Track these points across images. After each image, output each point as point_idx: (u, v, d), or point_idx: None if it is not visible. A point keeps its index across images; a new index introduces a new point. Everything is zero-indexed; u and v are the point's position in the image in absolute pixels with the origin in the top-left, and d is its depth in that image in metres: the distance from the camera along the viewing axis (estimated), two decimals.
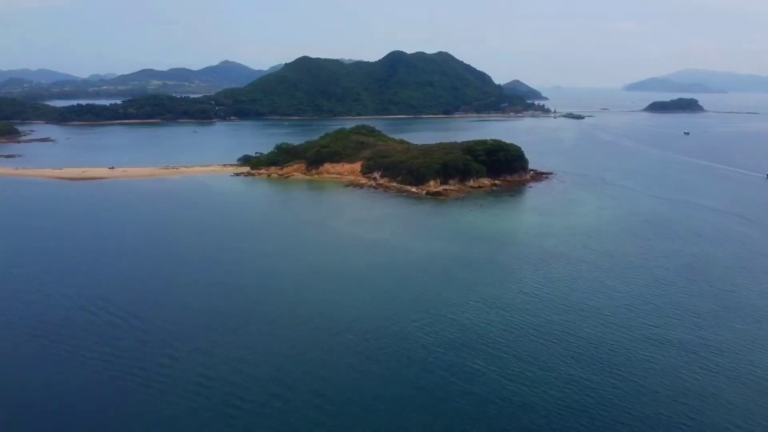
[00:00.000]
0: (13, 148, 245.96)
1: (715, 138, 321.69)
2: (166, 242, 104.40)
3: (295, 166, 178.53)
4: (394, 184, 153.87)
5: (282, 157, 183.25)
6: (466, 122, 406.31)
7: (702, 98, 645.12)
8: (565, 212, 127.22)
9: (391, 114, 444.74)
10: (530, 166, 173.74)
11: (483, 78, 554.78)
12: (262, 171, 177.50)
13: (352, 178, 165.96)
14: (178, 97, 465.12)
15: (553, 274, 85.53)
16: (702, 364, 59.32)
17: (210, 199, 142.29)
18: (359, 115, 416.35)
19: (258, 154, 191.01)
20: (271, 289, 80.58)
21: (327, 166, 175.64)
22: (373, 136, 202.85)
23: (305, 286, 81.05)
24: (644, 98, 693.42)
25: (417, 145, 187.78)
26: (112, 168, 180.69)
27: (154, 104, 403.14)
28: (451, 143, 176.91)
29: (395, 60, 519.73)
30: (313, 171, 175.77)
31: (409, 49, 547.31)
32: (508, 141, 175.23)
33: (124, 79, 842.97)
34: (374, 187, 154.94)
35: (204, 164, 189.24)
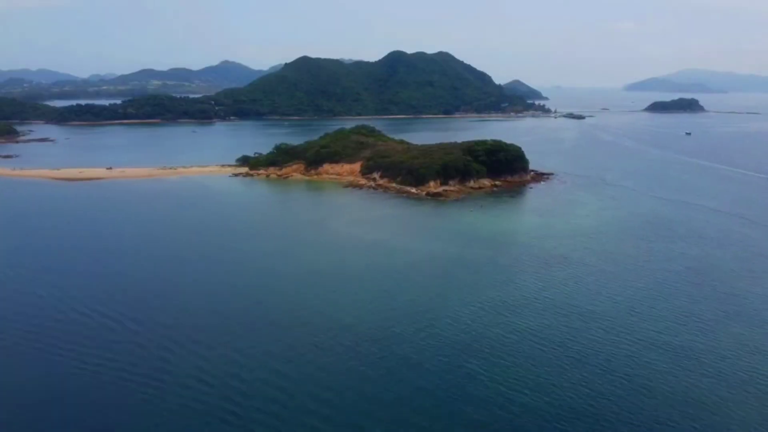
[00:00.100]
0: (12, 148, 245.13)
1: (715, 138, 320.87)
2: (163, 243, 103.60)
3: (294, 167, 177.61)
4: (394, 184, 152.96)
5: (281, 157, 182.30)
6: (466, 122, 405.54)
7: (702, 98, 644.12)
8: (565, 213, 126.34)
9: (391, 114, 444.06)
10: (531, 166, 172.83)
11: (483, 78, 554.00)
12: (261, 171, 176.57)
13: (351, 178, 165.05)
14: (178, 97, 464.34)
15: (554, 277, 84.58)
16: (704, 371, 58.37)
17: (208, 199, 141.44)
18: (359, 115, 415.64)
19: (257, 155, 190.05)
20: (269, 289, 79.91)
21: (326, 166, 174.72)
22: (373, 137, 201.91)
23: (304, 287, 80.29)
24: (645, 98, 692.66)
25: (417, 145, 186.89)
26: (110, 168, 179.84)
27: (154, 104, 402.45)
28: (451, 143, 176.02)
29: (395, 60, 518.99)
30: (312, 171, 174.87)
31: (409, 49, 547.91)
32: (508, 141, 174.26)
33: (124, 79, 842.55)
34: (374, 188, 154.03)
35: (202, 165, 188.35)
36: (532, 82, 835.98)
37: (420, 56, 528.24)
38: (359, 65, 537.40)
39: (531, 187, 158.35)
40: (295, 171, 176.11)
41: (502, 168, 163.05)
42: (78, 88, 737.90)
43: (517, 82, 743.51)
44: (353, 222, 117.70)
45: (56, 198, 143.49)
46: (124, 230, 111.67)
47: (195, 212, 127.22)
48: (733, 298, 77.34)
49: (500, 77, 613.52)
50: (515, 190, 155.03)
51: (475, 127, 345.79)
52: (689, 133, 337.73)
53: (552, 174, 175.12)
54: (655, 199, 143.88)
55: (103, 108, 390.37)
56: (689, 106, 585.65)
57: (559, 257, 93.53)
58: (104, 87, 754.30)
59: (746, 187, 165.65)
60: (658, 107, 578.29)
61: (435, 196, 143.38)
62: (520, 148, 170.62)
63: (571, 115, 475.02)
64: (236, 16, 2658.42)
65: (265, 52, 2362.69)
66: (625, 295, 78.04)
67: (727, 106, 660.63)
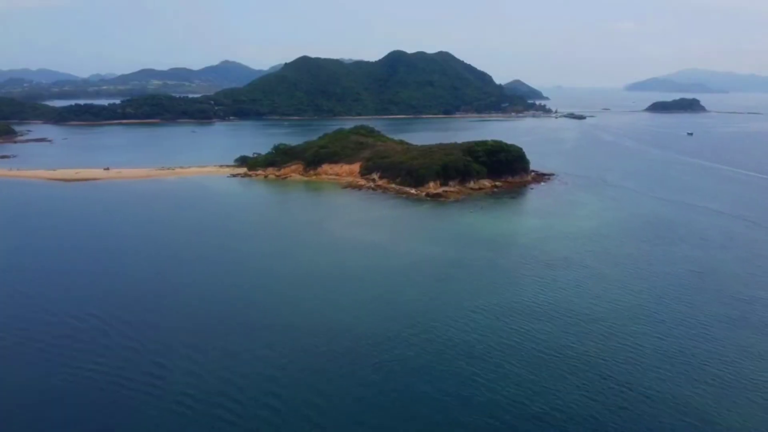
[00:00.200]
0: (9, 148, 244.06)
1: (717, 138, 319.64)
2: (161, 243, 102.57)
3: (293, 167, 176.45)
4: (393, 185, 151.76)
5: (279, 157, 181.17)
6: (466, 122, 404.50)
7: (703, 98, 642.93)
8: (566, 214, 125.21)
9: (391, 114, 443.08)
10: (531, 167, 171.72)
11: (483, 78, 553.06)
12: (259, 172, 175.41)
13: (350, 179, 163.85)
14: (178, 96, 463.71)
15: (555, 280, 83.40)
16: (707, 378, 57.20)
17: (205, 200, 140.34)
18: (359, 115, 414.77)
19: (256, 155, 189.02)
20: (267, 291, 79.06)
21: (325, 167, 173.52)
22: (373, 137, 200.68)
23: (301, 289, 79.36)
24: (645, 98, 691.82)
25: (417, 145, 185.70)
26: (107, 169, 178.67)
27: (153, 104, 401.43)
28: (451, 144, 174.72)
29: (395, 60, 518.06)
30: (311, 172, 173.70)
31: (409, 49, 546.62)
32: (509, 141, 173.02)
33: (124, 78, 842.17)
34: (373, 189, 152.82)
35: (201, 165, 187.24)
36: (533, 82, 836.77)
37: (420, 56, 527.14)
38: (359, 65, 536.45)
39: (532, 188, 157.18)
40: (293, 171, 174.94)
41: (503, 168, 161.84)
42: (78, 87, 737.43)
43: (517, 82, 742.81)
44: (352, 223, 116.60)
45: (52, 198, 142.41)
46: (120, 230, 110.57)
47: (192, 213, 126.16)
48: (736, 302, 76.02)
49: (501, 77, 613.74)
50: (516, 191, 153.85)
51: (476, 127, 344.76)
52: (691, 134, 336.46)
53: (553, 174, 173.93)
54: (656, 200, 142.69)
55: (101, 108, 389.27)
56: (690, 106, 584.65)
57: (559, 259, 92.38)
58: (104, 87, 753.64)
59: (748, 188, 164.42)
60: (658, 107, 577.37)
61: (435, 197, 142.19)
62: (520, 149, 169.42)
63: (571, 115, 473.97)
64: (236, 16, 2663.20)
65: (265, 52, 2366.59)
66: (626, 299, 76.79)
67: (727, 106, 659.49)
